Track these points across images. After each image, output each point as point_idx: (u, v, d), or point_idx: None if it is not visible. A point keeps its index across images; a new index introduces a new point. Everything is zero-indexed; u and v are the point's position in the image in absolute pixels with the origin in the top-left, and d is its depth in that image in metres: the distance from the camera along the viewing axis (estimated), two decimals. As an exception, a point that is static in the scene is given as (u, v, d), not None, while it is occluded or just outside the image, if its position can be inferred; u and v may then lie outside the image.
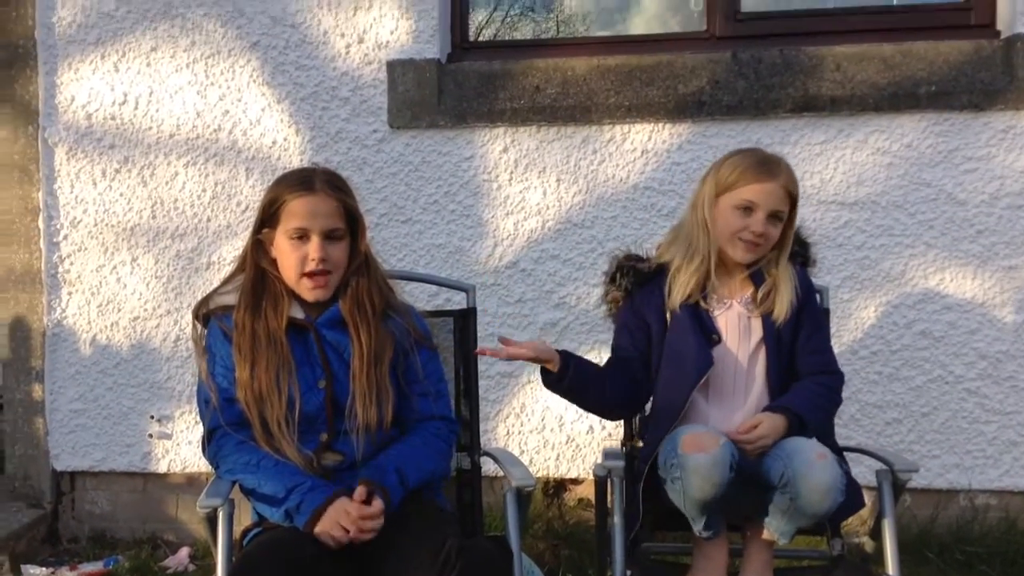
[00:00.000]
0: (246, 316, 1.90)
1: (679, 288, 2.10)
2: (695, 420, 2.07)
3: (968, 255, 2.94)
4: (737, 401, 2.09)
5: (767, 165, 2.09)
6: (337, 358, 1.92)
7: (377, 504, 1.76)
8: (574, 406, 3.06)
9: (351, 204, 1.97)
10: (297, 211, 1.90)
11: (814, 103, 2.96)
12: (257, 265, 1.96)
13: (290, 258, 1.91)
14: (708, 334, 2.08)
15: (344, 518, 1.74)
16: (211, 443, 1.93)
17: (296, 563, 1.67)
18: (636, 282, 2.15)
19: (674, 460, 1.91)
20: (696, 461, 1.86)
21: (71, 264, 3.31)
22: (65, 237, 3.31)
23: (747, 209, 2.05)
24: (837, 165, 2.98)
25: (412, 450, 1.91)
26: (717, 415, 2.07)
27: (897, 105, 2.93)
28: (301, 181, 1.94)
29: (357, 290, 1.95)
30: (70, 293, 3.31)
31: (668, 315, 2.11)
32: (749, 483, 1.95)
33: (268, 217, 1.95)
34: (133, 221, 3.28)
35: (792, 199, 2.09)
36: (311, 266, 1.89)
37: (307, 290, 1.92)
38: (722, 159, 2.14)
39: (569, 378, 2.08)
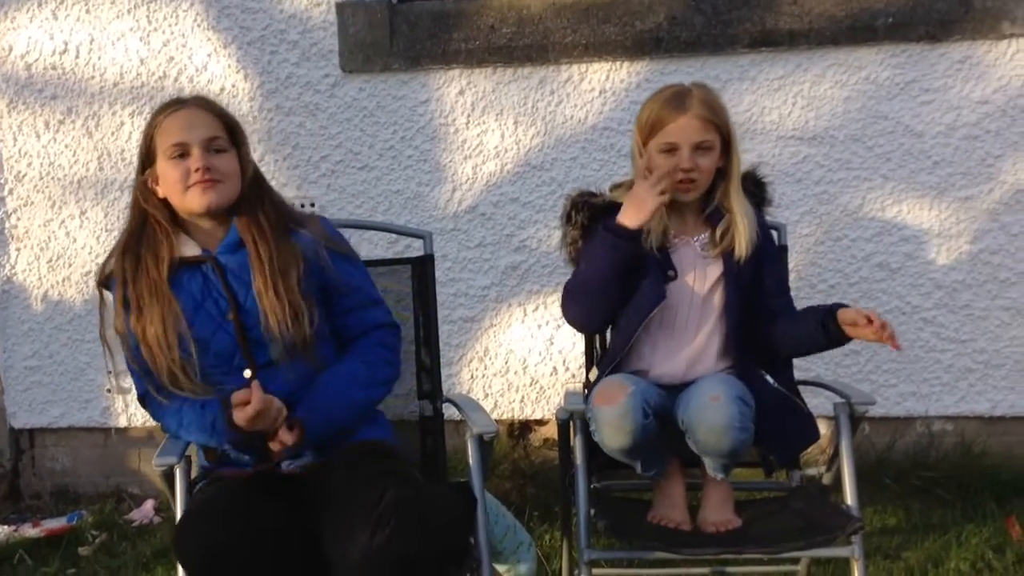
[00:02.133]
0: (126, 265, 1.82)
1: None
2: (639, 357, 2.09)
3: (925, 187, 2.96)
4: (687, 337, 2.10)
5: (675, 101, 2.06)
6: (242, 286, 1.83)
7: (294, 435, 1.74)
8: (538, 348, 3.09)
9: (227, 115, 1.89)
10: (171, 128, 1.81)
11: (772, 37, 2.93)
12: (140, 211, 1.86)
13: (172, 176, 1.80)
14: (664, 270, 2.08)
15: (242, 394, 1.70)
16: (147, 405, 1.91)
17: (226, 506, 1.68)
18: (591, 216, 2.13)
19: (589, 415, 1.97)
20: (604, 413, 1.90)
21: (18, 219, 3.23)
22: (10, 192, 3.22)
23: (671, 150, 2.04)
24: (796, 100, 2.97)
25: (350, 384, 1.85)
26: (663, 352, 2.09)
27: (855, 38, 2.91)
28: (171, 103, 1.87)
29: (252, 207, 1.86)
30: (18, 249, 3.23)
31: None
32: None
33: (148, 152, 1.85)
34: (80, 173, 3.19)
35: (716, 126, 2.06)
36: (196, 177, 1.78)
37: (196, 197, 1.80)
38: (642, 106, 2.13)
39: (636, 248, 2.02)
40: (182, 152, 1.80)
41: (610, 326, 2.19)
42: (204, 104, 1.87)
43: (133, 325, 1.79)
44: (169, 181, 1.82)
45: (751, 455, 2.19)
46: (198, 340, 1.79)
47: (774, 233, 2.35)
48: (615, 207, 2.07)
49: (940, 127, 2.93)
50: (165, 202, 1.85)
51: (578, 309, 2.13)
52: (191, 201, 1.81)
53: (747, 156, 2.84)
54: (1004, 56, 2.87)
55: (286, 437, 1.74)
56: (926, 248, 2.97)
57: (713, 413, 1.86)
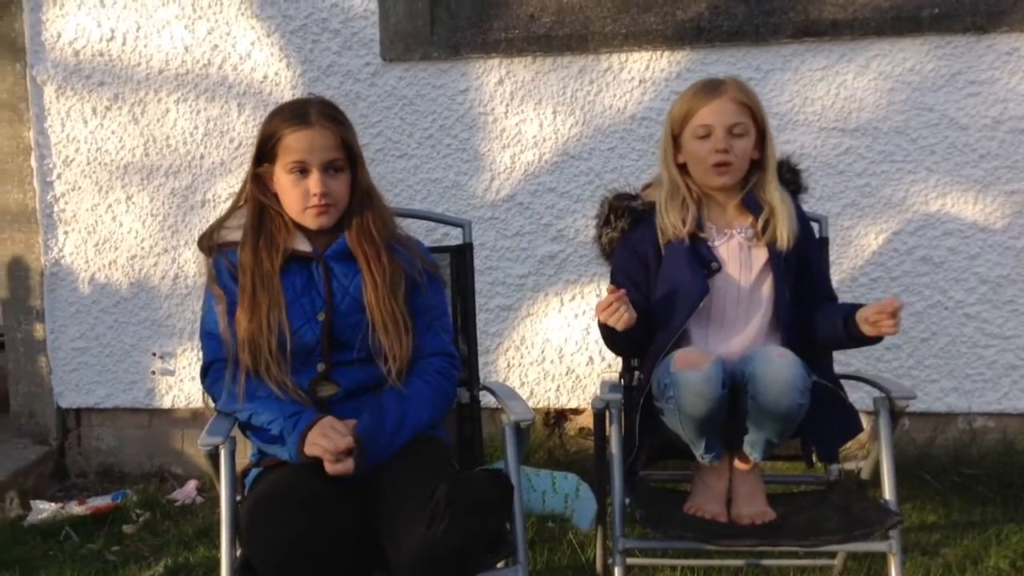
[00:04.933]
0: (247, 256, 1.91)
1: (669, 224, 2.10)
2: (691, 347, 2.08)
3: (970, 180, 2.91)
4: (737, 327, 2.10)
5: (709, 85, 2.10)
6: (341, 291, 1.92)
7: (349, 464, 1.77)
8: (574, 338, 3.10)
9: (348, 136, 1.95)
10: (294, 146, 1.89)
11: (815, 27, 2.90)
12: (257, 201, 1.96)
13: (291, 193, 1.91)
14: (707, 264, 2.08)
15: (331, 432, 1.77)
16: (208, 374, 1.95)
17: (307, 503, 1.69)
18: (632, 221, 2.14)
19: (667, 380, 1.93)
20: (688, 378, 1.89)
21: (66, 203, 3.29)
22: (58, 176, 3.28)
23: (706, 135, 2.06)
24: (839, 91, 2.93)
25: (416, 404, 1.90)
26: (715, 341, 2.08)
27: (899, 28, 2.87)
28: (297, 115, 1.91)
29: (363, 221, 1.95)
30: (66, 232, 3.30)
31: (663, 249, 2.10)
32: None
33: (265, 152, 1.94)
34: (126, 159, 3.25)
35: (751, 110, 2.07)
36: (313, 200, 1.89)
37: (312, 218, 1.92)
38: (674, 103, 2.16)
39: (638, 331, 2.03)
40: (302, 168, 1.89)
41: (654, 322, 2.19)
42: (328, 122, 1.91)
43: (239, 310, 1.88)
44: (288, 195, 1.92)
45: (793, 448, 2.18)
46: (281, 335, 1.86)
47: (815, 225, 2.34)
48: (655, 207, 2.10)
49: (986, 120, 2.88)
50: (277, 196, 1.95)
51: (608, 347, 2.21)
52: (306, 220, 1.93)
53: (788, 147, 2.85)
54: (1054, 47, 2.82)
55: (344, 468, 1.77)
56: (970, 242, 2.93)
57: (779, 366, 1.87)
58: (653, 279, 2.12)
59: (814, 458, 2.15)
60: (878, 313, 1.92)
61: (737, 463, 2.07)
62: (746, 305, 2.10)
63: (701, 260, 2.08)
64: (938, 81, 2.88)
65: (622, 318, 1.93)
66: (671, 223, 2.09)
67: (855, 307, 2.01)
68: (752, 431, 1.97)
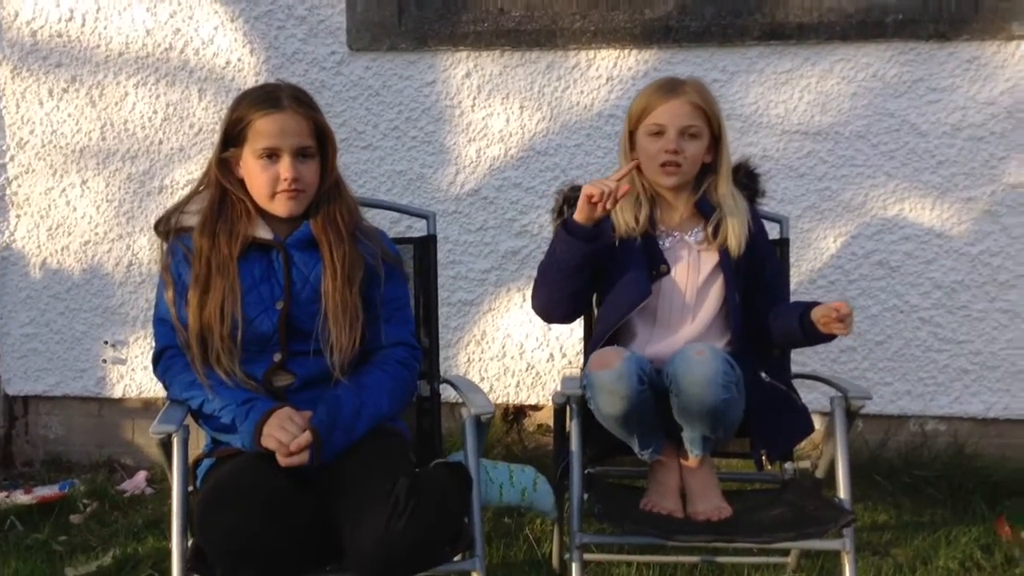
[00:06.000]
0: (203, 241, 1.87)
1: (622, 221, 2.10)
2: (631, 342, 2.10)
3: (928, 186, 2.96)
4: (682, 330, 2.11)
5: (668, 85, 2.11)
6: (301, 279, 1.90)
7: (304, 456, 1.73)
8: (535, 334, 3.09)
9: (320, 121, 1.93)
10: (265, 130, 1.85)
11: (781, 30, 2.93)
12: (219, 186, 1.92)
13: (260, 178, 1.87)
14: (657, 265, 2.09)
15: (288, 424, 1.74)
16: (160, 362, 1.92)
17: (263, 495, 1.66)
18: None
19: (585, 382, 1.97)
20: (600, 378, 1.91)
21: (19, 186, 3.22)
22: (12, 158, 3.20)
23: (658, 133, 2.07)
24: (802, 94, 2.96)
25: (374, 393, 1.87)
26: (658, 341, 2.10)
27: (864, 33, 2.90)
28: (267, 99, 1.88)
29: (329, 209, 1.93)
30: (18, 216, 3.22)
31: (616, 244, 2.10)
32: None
33: (233, 136, 1.90)
34: (82, 142, 3.18)
35: (706, 114, 2.09)
36: (283, 185, 1.86)
37: (282, 203, 1.88)
38: (635, 98, 2.16)
39: (593, 246, 2.02)
40: (271, 154, 1.86)
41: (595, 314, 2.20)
42: (299, 107, 1.89)
43: (190, 295, 1.84)
44: (256, 180, 1.88)
45: (742, 446, 2.20)
46: (234, 322, 1.83)
47: (776, 226, 2.36)
48: None
49: (945, 127, 2.93)
50: (242, 182, 1.91)
51: (539, 300, 2.18)
52: (275, 206, 1.89)
53: (751, 149, 2.88)
54: (1012, 57, 2.87)
55: (299, 460, 1.73)
56: (926, 247, 2.98)
57: (698, 365, 1.88)
58: (604, 265, 2.12)
59: (764, 459, 2.16)
60: (825, 316, 1.95)
61: (683, 460, 2.08)
62: (690, 310, 2.12)
63: (650, 261, 2.10)
64: (900, 87, 2.92)
65: (611, 201, 1.93)
66: (624, 220, 2.10)
67: (811, 305, 2.03)
68: (686, 429, 1.99)
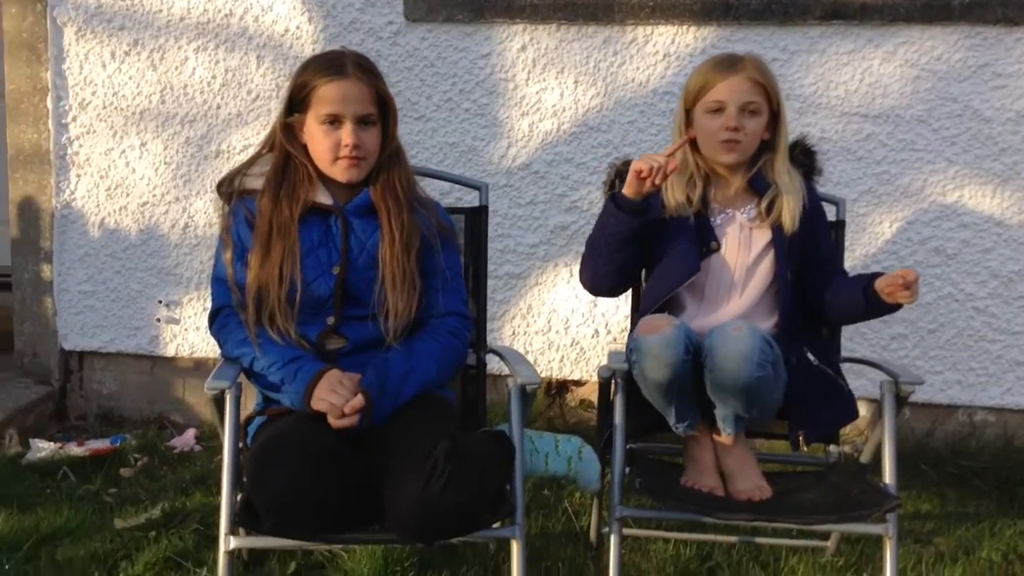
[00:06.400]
0: (267, 204, 1.91)
1: (672, 200, 2.09)
2: (679, 315, 2.10)
3: (989, 173, 2.89)
4: (730, 306, 2.11)
5: (727, 61, 2.08)
6: (359, 245, 1.93)
7: (354, 419, 1.77)
8: (581, 309, 3.09)
9: (383, 89, 1.94)
10: (328, 96, 1.88)
11: (844, 11, 2.87)
12: (283, 150, 1.95)
13: (322, 144, 1.90)
14: (707, 242, 2.08)
15: (339, 388, 1.78)
16: (216, 320, 1.96)
17: (314, 454, 1.70)
18: None
19: (632, 345, 1.96)
20: (648, 342, 1.90)
21: (80, 146, 3.28)
22: (74, 119, 3.27)
23: (718, 110, 2.05)
24: (863, 76, 2.91)
25: (423, 359, 1.90)
26: (705, 316, 2.09)
27: (929, 16, 2.84)
28: (331, 65, 1.90)
29: (389, 177, 1.95)
30: (79, 175, 3.29)
31: (667, 220, 2.10)
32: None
33: (297, 102, 1.93)
34: (142, 105, 3.24)
35: (766, 91, 2.06)
36: (344, 152, 1.88)
37: (342, 170, 1.91)
38: (691, 75, 2.14)
39: (640, 220, 2.03)
40: (334, 120, 1.88)
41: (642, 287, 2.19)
42: (363, 75, 1.91)
43: (251, 255, 1.88)
44: (319, 146, 1.91)
45: (785, 428, 2.18)
46: (292, 285, 1.86)
47: (832, 208, 2.33)
48: None
49: (1010, 113, 2.86)
50: (305, 147, 1.94)
51: (586, 272, 2.19)
52: (336, 172, 1.92)
53: (809, 130, 2.84)
54: (1084, 44, 2.79)
55: (349, 423, 1.77)
56: (984, 236, 2.92)
57: (733, 341, 1.87)
58: (653, 240, 2.12)
59: (801, 441, 2.13)
60: (890, 284, 1.92)
61: (717, 437, 2.07)
62: (740, 285, 2.10)
63: (701, 238, 2.09)
64: (964, 72, 2.86)
65: (661, 176, 1.93)
66: (674, 197, 2.09)
67: (875, 276, 2.00)
68: (719, 406, 1.99)
